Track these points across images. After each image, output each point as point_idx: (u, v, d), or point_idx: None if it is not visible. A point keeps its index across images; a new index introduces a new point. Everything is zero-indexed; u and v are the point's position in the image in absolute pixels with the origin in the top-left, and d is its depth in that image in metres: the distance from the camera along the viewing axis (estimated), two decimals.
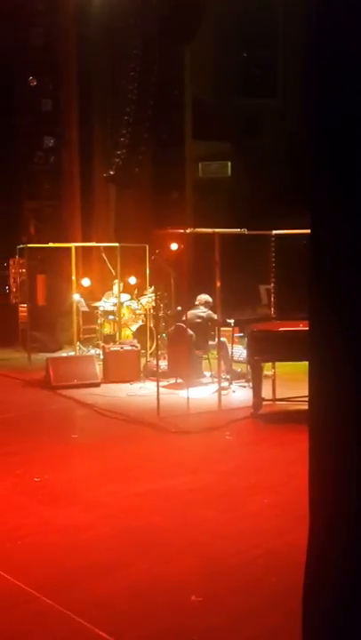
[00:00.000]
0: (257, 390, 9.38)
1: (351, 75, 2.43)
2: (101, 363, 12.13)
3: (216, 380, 10.45)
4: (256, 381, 9.42)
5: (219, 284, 9.85)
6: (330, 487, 2.57)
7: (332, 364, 2.53)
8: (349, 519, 2.51)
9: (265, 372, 10.03)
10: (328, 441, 2.56)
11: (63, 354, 14.20)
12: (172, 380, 11.33)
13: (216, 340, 10.87)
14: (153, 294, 13.22)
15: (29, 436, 8.60)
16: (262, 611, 4.29)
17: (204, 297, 11.73)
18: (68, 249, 13.76)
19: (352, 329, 2.45)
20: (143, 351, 12.84)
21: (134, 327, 14.10)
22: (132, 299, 14.42)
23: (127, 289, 14.66)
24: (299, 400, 9.26)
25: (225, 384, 10.72)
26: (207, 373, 11.61)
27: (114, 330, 14.16)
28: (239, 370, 11.52)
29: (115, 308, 14.11)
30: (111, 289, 14.60)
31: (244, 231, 10.42)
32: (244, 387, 10.89)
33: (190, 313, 11.51)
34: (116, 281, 14.36)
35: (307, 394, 2.70)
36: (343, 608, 2.56)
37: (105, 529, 5.62)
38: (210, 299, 11.55)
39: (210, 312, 11.45)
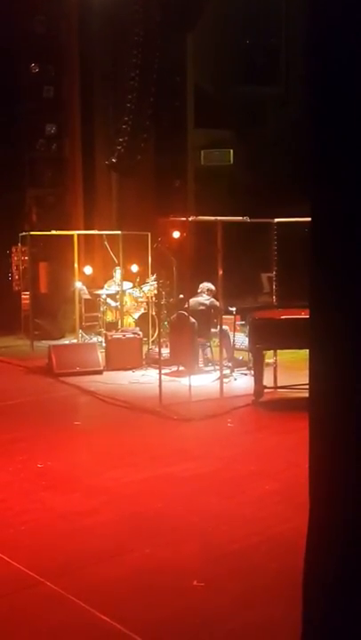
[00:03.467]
0: (258, 378, 9.41)
1: (350, 61, 2.44)
2: (104, 350, 12.17)
3: (218, 367, 10.48)
4: (258, 369, 9.45)
5: (221, 271, 9.86)
6: (329, 475, 2.60)
7: (331, 351, 2.55)
8: (348, 507, 2.53)
9: (266, 360, 10.06)
10: (328, 428, 2.59)
11: (66, 341, 14.23)
12: (174, 368, 11.36)
13: (218, 327, 10.89)
14: (155, 282, 13.23)
15: (32, 423, 8.64)
16: (263, 596, 4.34)
17: (206, 285, 11.74)
18: (71, 236, 13.76)
19: (352, 316, 2.47)
20: (145, 339, 12.87)
21: (136, 315, 14.13)
22: (134, 286, 14.43)
23: (129, 277, 14.67)
24: (300, 388, 9.29)
25: (227, 372, 10.75)
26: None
27: (116, 317, 14.18)
28: (241, 358, 11.55)
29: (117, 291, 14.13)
30: (112, 277, 14.62)
31: (247, 219, 10.42)
32: (246, 374, 10.92)
33: (193, 300, 11.52)
34: (117, 268, 14.38)
35: (308, 381, 2.72)
36: (342, 594, 2.60)
37: (108, 515, 5.67)
38: (212, 286, 11.57)
39: (213, 300, 11.46)
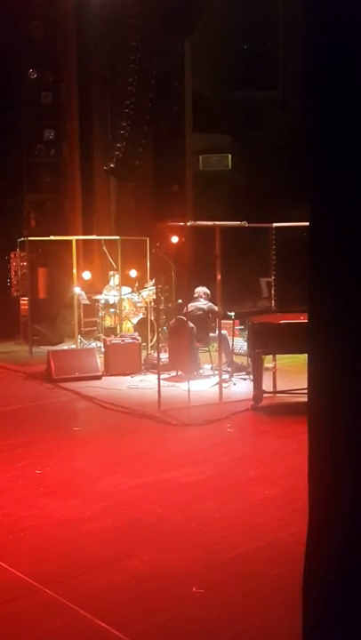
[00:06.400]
0: (258, 383, 9.39)
1: (348, 63, 2.43)
2: (102, 355, 12.15)
3: (217, 372, 10.46)
4: (257, 374, 9.43)
5: (220, 276, 9.86)
6: (328, 478, 2.59)
7: (330, 355, 2.54)
8: (347, 510, 2.52)
9: (266, 365, 10.05)
10: (326, 432, 2.58)
11: (64, 347, 14.22)
12: (173, 373, 11.35)
13: (217, 332, 10.87)
14: (154, 287, 13.24)
15: (31, 429, 8.62)
16: (263, 602, 4.32)
17: (202, 289, 11.74)
18: (69, 242, 13.77)
19: (350, 320, 2.46)
20: (144, 344, 12.86)
21: (135, 320, 14.12)
22: (132, 291, 14.43)
23: (128, 282, 14.67)
24: (299, 392, 9.28)
25: (226, 376, 10.74)
26: (207, 366, 11.62)
27: (115, 323, 14.18)
28: (240, 362, 11.54)
29: (115, 299, 14.13)
30: (109, 282, 14.64)
31: (245, 224, 10.42)
32: (245, 379, 10.91)
33: (191, 305, 11.52)
34: (112, 272, 14.39)
35: (307, 386, 2.72)
36: (342, 599, 2.58)
37: (107, 521, 5.65)
38: (208, 290, 11.60)
39: (211, 304, 11.46)
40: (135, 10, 15.80)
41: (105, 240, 15.14)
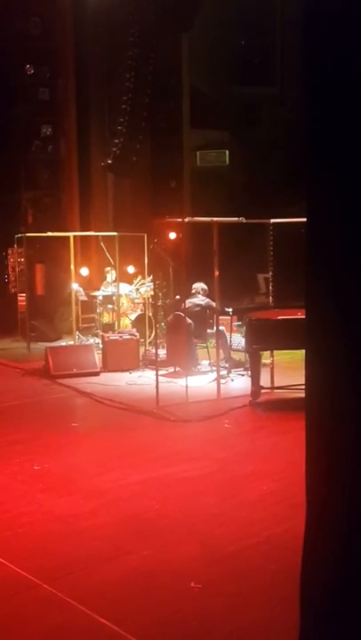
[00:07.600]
0: (255, 379, 9.40)
1: (347, 59, 2.44)
2: (100, 352, 12.16)
3: (215, 368, 10.47)
4: (254, 370, 9.45)
5: (217, 272, 9.86)
6: (325, 475, 2.59)
7: (327, 351, 2.54)
8: (344, 507, 2.53)
9: (263, 361, 10.06)
10: (324, 428, 2.58)
11: (62, 343, 14.21)
12: (171, 369, 11.35)
13: (215, 328, 10.88)
14: (151, 283, 13.24)
15: (29, 425, 8.63)
16: (261, 597, 4.33)
17: (200, 285, 11.74)
18: (67, 238, 13.75)
19: (348, 316, 2.46)
20: (142, 340, 12.86)
21: (133, 316, 14.12)
22: (136, 286, 14.43)
23: (126, 278, 14.66)
24: (297, 388, 9.30)
25: (224, 372, 10.75)
26: (205, 362, 11.63)
27: (113, 319, 14.18)
28: (238, 358, 11.54)
29: (113, 294, 14.13)
30: (105, 278, 14.64)
31: (243, 220, 10.42)
32: (243, 375, 10.92)
33: (189, 301, 11.51)
34: (108, 268, 14.38)
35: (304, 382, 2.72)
36: (339, 595, 2.59)
37: (105, 517, 5.66)
38: (205, 286, 11.60)
39: (208, 300, 11.46)
40: (133, 6, 15.77)
41: (102, 236, 15.12)
